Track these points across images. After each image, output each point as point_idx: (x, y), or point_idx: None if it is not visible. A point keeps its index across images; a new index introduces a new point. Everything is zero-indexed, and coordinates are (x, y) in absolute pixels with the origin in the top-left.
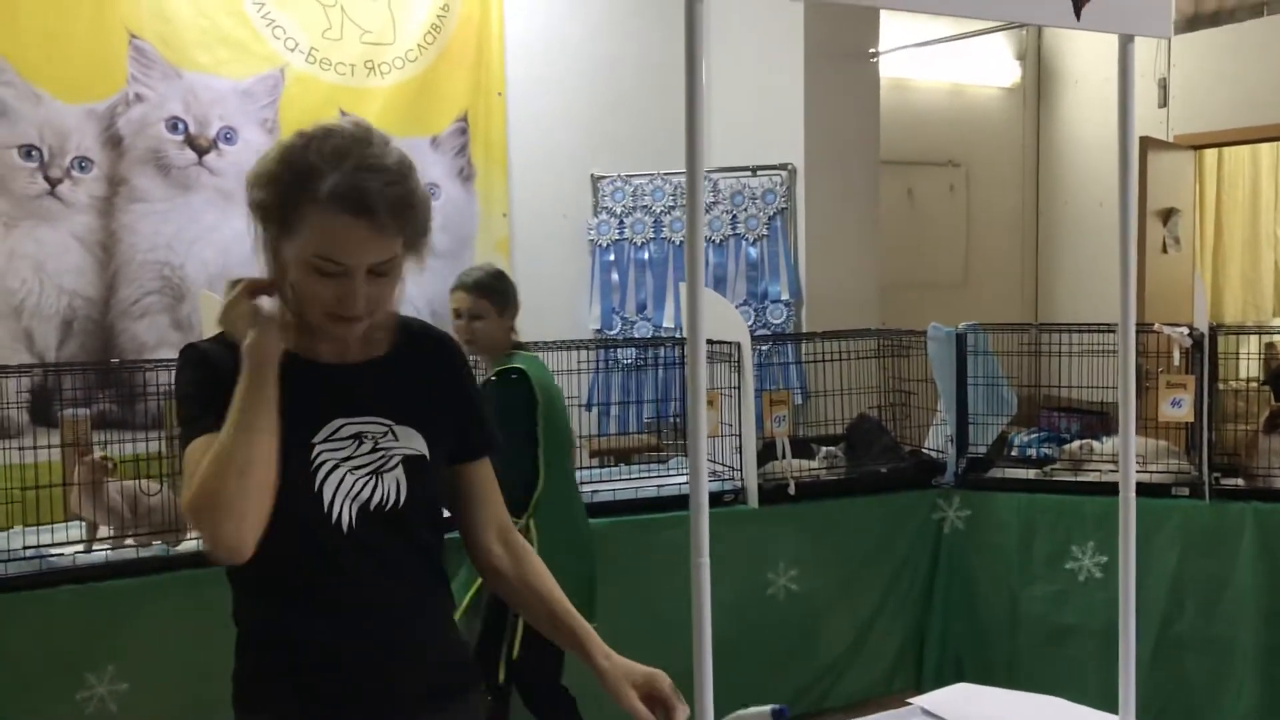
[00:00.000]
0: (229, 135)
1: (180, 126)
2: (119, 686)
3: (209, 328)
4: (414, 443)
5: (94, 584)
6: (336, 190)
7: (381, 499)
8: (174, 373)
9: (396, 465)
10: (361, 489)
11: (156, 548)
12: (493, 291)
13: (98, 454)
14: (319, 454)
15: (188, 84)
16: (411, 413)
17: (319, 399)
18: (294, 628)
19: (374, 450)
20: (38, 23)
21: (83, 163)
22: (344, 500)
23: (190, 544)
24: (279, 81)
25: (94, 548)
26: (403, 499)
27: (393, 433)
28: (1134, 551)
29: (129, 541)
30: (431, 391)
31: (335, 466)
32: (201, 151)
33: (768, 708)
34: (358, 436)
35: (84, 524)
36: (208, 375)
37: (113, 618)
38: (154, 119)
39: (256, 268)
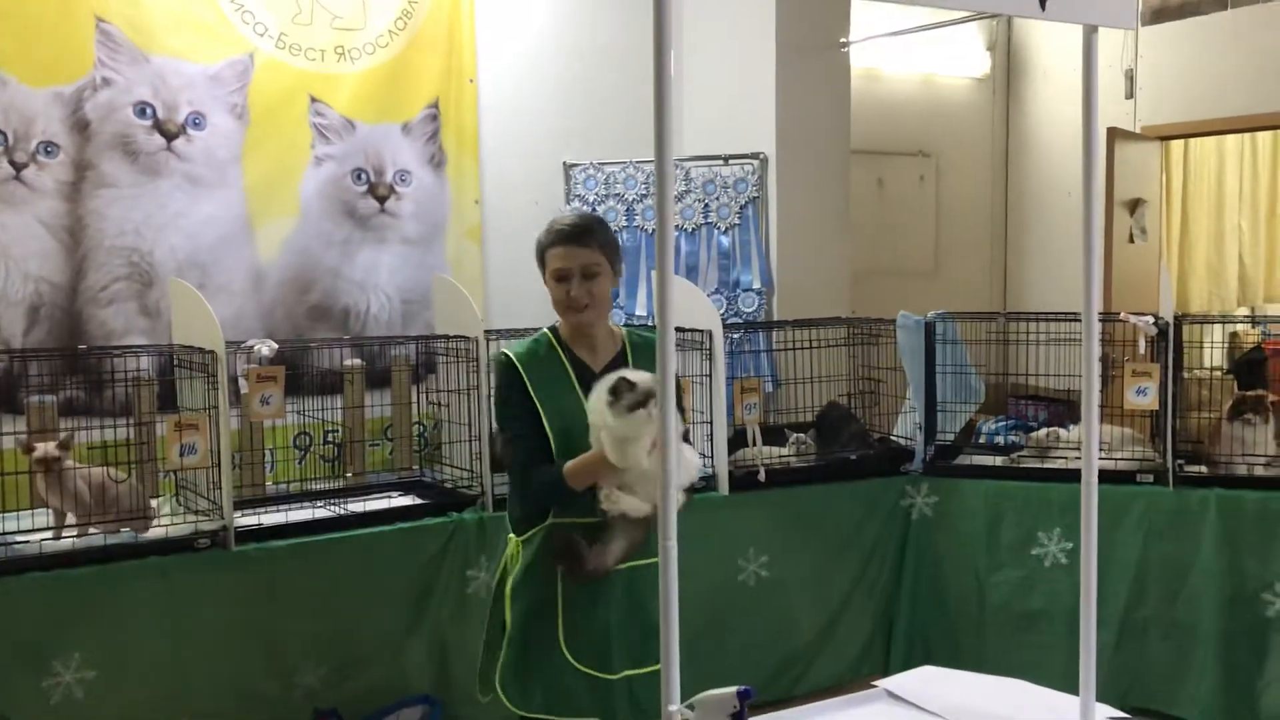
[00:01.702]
0: (198, 120)
1: (148, 111)
2: (86, 674)
3: (179, 315)
4: None
5: (61, 571)
6: None
7: None
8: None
9: None
10: None
11: (124, 534)
12: (606, 240)
13: (40, 450)
14: None
15: (156, 68)
16: None
17: None
18: None
19: None
20: (2, 6)
21: (49, 147)
22: None
23: (158, 531)
24: (248, 67)
25: (61, 534)
26: None
27: None
28: (1095, 534)
29: (94, 529)
30: None
31: None
32: (170, 137)
33: (732, 689)
34: None
35: (50, 511)
36: None
37: (79, 605)
38: (121, 103)
39: (226, 253)
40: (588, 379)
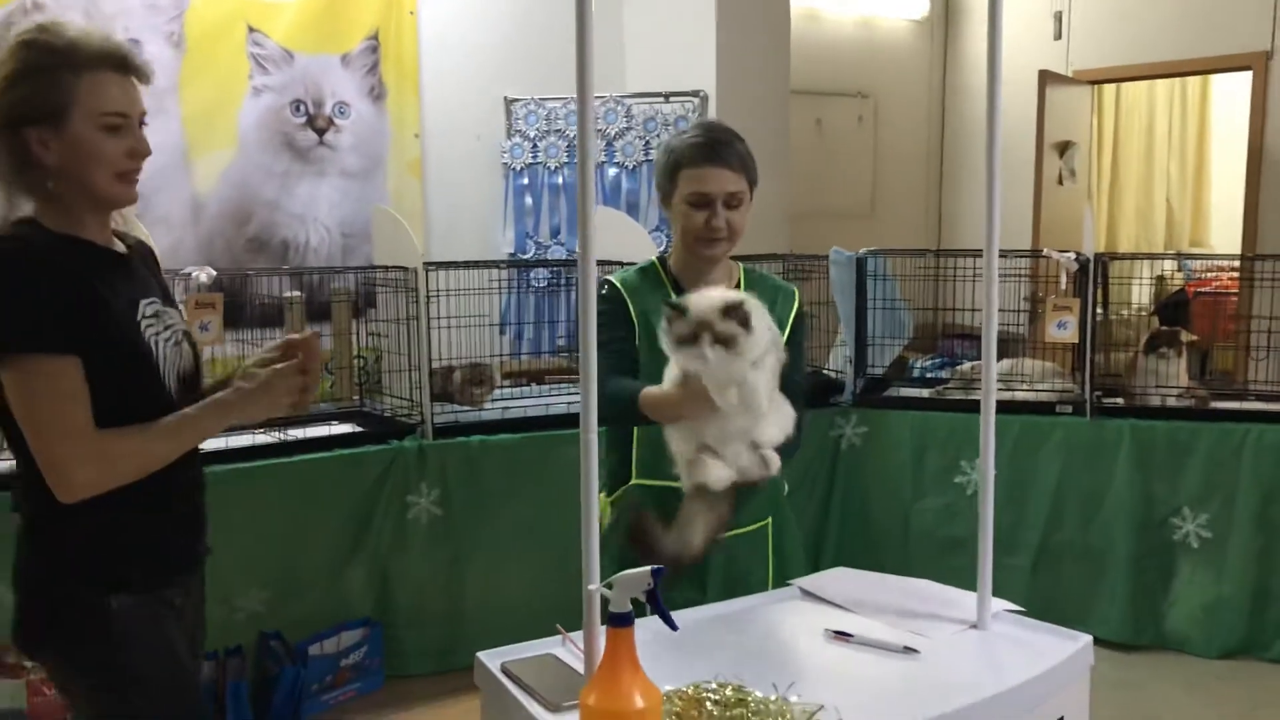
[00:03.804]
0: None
1: None
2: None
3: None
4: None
5: None
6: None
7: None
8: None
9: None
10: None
11: None
12: (749, 160)
13: None
14: (146, 332)
15: None
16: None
17: (137, 280)
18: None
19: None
20: None
21: None
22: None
23: None
24: None
25: None
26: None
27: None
28: (993, 441)
29: None
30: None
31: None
32: None
33: (646, 568)
34: (158, 314)
35: None
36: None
37: (5, 533)
38: None
39: (164, 185)
40: None
